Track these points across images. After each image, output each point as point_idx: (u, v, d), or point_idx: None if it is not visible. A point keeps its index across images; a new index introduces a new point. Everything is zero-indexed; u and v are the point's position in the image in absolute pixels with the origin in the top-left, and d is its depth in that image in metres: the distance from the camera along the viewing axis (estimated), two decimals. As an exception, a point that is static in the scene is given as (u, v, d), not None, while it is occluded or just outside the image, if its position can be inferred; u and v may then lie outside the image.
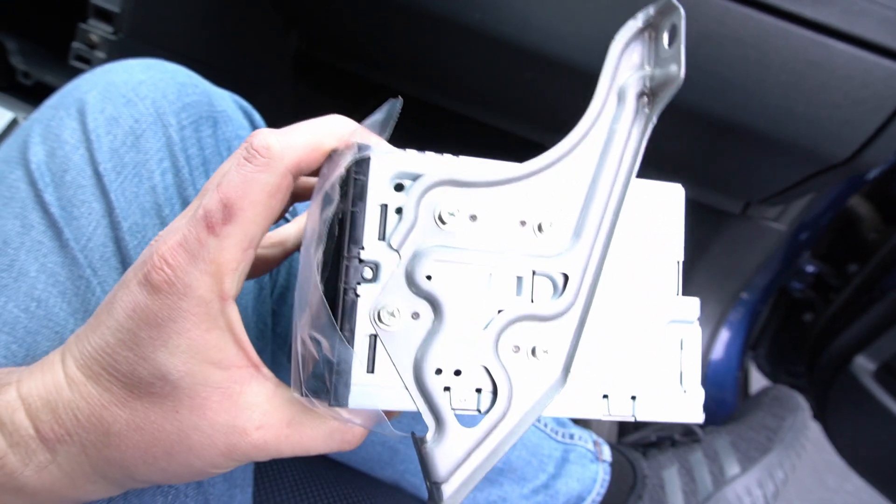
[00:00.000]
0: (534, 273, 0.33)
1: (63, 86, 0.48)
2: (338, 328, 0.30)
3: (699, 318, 0.35)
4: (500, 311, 0.32)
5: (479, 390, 0.32)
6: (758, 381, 1.28)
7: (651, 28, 0.33)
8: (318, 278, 0.31)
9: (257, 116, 0.55)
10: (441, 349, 0.31)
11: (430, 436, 0.31)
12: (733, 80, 0.65)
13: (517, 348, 0.32)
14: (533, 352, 0.32)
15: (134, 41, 0.63)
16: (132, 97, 0.45)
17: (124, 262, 0.42)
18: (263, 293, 0.51)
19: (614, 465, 0.78)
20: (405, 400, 0.31)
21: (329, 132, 0.31)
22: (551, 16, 0.67)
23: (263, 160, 0.29)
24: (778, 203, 0.98)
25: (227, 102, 0.52)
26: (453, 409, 0.31)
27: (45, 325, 0.39)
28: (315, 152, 0.31)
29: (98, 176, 0.42)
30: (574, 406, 0.33)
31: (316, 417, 0.32)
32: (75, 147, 0.43)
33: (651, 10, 0.32)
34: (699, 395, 0.34)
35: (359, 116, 0.33)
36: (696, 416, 0.34)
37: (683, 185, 0.35)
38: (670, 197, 0.35)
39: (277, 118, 0.47)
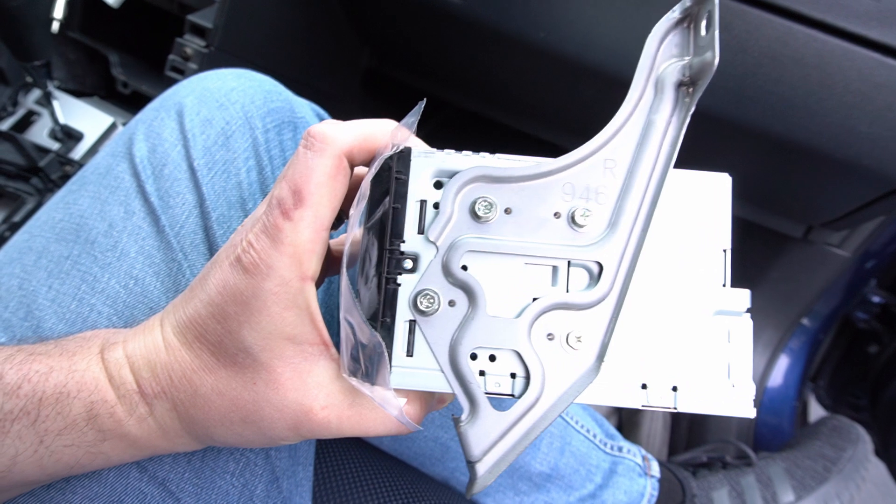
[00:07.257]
0: (569, 263, 0.34)
1: (159, 93, 0.54)
2: (380, 314, 0.33)
3: (749, 312, 0.34)
4: (534, 300, 0.33)
5: (513, 375, 0.33)
6: (816, 413, 1.23)
7: (689, 18, 0.34)
8: (364, 267, 0.34)
9: None
10: (475, 335, 0.33)
11: (464, 416, 0.33)
12: (794, 99, 0.65)
13: (551, 336, 0.33)
14: (567, 340, 0.33)
15: (223, 54, 0.69)
16: (224, 102, 0.50)
17: (211, 249, 0.46)
18: (332, 286, 0.54)
19: (663, 482, 0.78)
20: (441, 382, 0.33)
21: (378, 127, 0.34)
22: (613, 34, 0.70)
23: (320, 145, 0.32)
24: (842, 228, 0.96)
25: (306, 110, 0.57)
26: (487, 392, 0.33)
27: (140, 301, 0.43)
28: (366, 143, 0.34)
29: (192, 171, 0.47)
30: (610, 394, 0.34)
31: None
32: (174, 144, 0.48)
33: (688, 0, 0.33)
34: (749, 389, 0.34)
35: (422, 132, 0.36)
36: (746, 410, 0.33)
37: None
38: (716, 186, 0.35)
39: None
